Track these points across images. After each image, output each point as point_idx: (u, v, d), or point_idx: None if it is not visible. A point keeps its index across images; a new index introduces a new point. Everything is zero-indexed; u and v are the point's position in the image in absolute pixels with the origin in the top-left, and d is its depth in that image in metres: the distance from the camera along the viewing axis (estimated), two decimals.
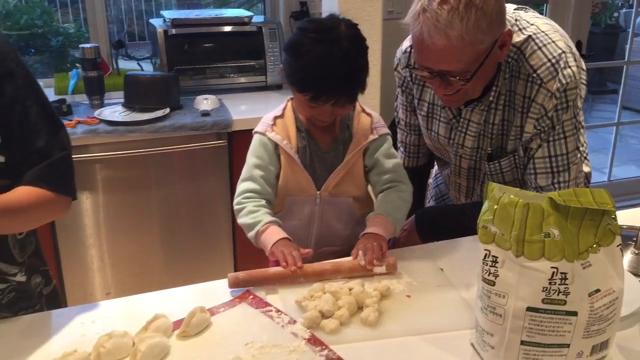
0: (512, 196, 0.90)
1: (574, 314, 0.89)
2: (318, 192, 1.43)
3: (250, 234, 1.35)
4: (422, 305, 1.15)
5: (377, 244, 1.28)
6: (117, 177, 2.32)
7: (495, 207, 0.92)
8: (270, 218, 1.34)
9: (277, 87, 2.75)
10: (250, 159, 1.42)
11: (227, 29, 2.68)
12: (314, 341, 1.04)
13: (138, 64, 2.97)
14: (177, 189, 2.42)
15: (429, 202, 1.80)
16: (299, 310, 1.13)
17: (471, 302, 1.12)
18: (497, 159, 1.44)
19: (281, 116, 1.43)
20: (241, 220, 1.37)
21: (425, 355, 1.00)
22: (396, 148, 1.53)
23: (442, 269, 1.27)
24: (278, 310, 1.13)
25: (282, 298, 1.17)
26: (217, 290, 1.21)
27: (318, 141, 1.43)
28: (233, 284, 1.20)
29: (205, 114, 2.35)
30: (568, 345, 0.91)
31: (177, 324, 1.08)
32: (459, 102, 1.38)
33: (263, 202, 1.38)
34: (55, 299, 1.27)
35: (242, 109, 2.48)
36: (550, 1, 3.48)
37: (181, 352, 1.02)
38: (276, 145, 1.40)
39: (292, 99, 1.45)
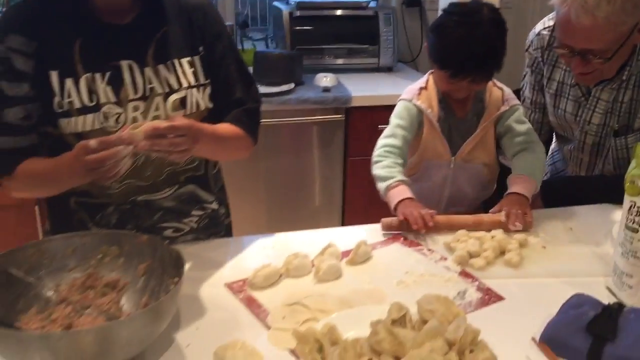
0: None
1: None
2: (453, 157, 1.58)
3: (381, 185, 1.49)
4: (557, 254, 1.29)
5: (521, 212, 1.38)
6: None
7: None
8: (402, 177, 1.48)
9: (388, 70, 2.92)
10: (394, 120, 1.58)
11: (346, 12, 2.86)
12: (465, 274, 1.21)
13: (253, 44, 3.21)
14: (291, 159, 2.61)
15: (545, 178, 1.92)
16: (447, 251, 1.30)
17: (603, 256, 1.26)
18: (623, 135, 1.55)
19: (425, 87, 1.60)
20: (376, 171, 1.51)
21: (564, 294, 1.12)
22: None
23: (571, 228, 1.40)
24: (429, 249, 1.31)
25: (431, 240, 1.34)
26: (372, 232, 1.39)
27: (455, 111, 1.59)
28: (387, 228, 1.38)
29: (326, 89, 2.55)
30: None
31: (343, 254, 1.27)
32: (593, 81, 1.50)
33: (401, 161, 1.52)
34: (231, 229, 1.50)
35: (356, 88, 2.66)
36: None
37: (352, 275, 1.21)
38: (419, 112, 1.57)
39: (432, 72, 1.61)
